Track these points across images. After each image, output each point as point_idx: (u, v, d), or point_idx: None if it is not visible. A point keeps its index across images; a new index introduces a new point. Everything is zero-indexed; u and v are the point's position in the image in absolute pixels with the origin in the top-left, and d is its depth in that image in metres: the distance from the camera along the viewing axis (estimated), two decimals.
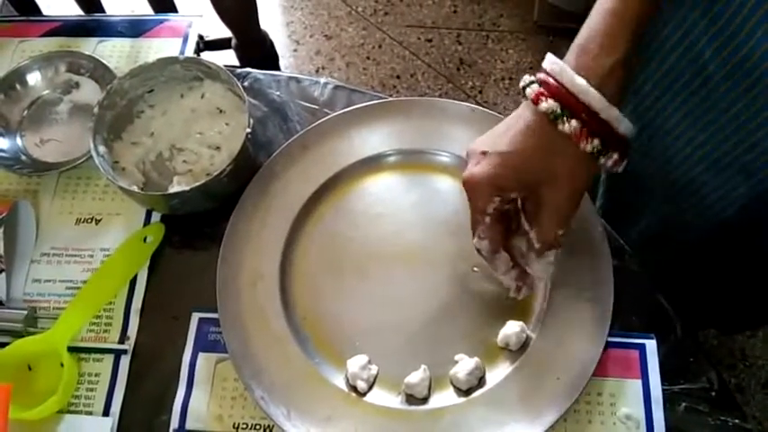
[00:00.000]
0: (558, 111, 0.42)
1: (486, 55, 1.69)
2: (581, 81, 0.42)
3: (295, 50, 1.74)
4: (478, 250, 0.49)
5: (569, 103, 0.42)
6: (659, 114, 0.59)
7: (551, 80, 0.43)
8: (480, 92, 1.64)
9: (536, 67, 1.65)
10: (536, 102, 0.43)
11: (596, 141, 0.42)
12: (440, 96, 1.64)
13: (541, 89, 0.43)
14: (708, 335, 1.31)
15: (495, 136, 0.46)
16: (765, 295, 0.68)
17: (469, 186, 0.46)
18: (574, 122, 0.42)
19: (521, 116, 0.45)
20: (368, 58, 1.71)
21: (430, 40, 1.73)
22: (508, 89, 1.63)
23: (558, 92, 0.43)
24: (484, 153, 0.45)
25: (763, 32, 0.46)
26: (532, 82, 0.45)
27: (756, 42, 0.47)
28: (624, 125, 0.43)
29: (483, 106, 1.63)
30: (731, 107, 0.52)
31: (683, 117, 0.57)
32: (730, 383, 1.26)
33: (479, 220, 0.47)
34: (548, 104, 0.43)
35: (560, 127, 0.42)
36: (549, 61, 0.45)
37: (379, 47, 1.73)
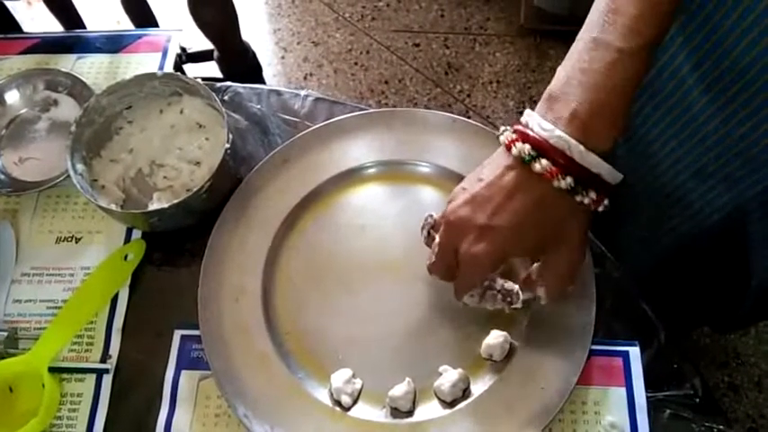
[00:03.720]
0: (530, 153, 0.42)
1: (474, 58, 1.69)
2: (549, 126, 0.42)
3: (282, 58, 1.74)
4: (465, 304, 0.50)
5: (541, 146, 0.42)
6: (644, 123, 0.59)
7: (521, 128, 0.43)
8: (468, 95, 1.64)
9: (523, 69, 1.66)
10: (509, 147, 0.43)
11: (569, 179, 0.41)
12: (428, 101, 1.64)
13: (515, 136, 0.43)
14: (700, 334, 1.31)
15: (485, 201, 0.44)
16: (753, 296, 0.69)
17: (472, 264, 0.45)
18: (544, 162, 0.41)
19: (506, 173, 0.44)
20: (356, 63, 1.71)
21: (417, 45, 1.73)
22: (496, 92, 1.63)
23: (528, 137, 0.42)
24: (484, 228, 0.44)
25: (747, 44, 0.46)
26: (506, 130, 0.44)
27: (740, 54, 0.47)
28: (605, 170, 0.43)
29: (471, 110, 1.63)
30: (712, 119, 0.52)
31: (666, 127, 0.57)
32: (723, 382, 1.27)
33: (476, 285, 0.48)
34: (519, 147, 0.42)
35: (534, 167, 0.42)
36: (524, 114, 0.44)
37: (367, 52, 1.73)
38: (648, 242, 0.69)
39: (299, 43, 1.76)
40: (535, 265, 0.48)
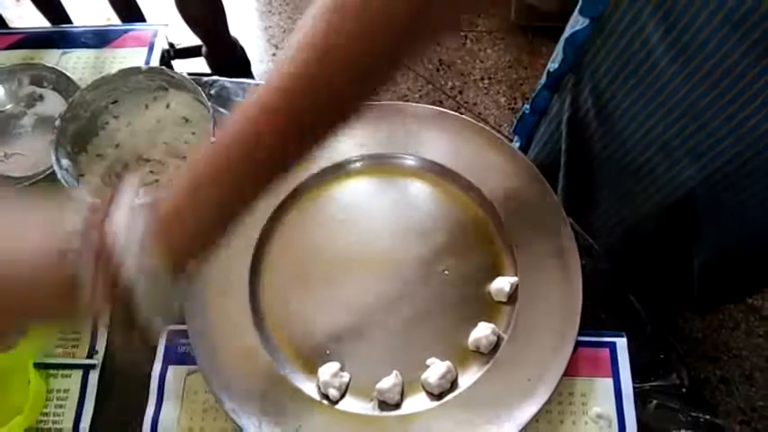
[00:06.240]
0: None
1: (465, 55, 1.69)
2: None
3: (274, 54, 1.73)
4: None
5: None
6: (614, 96, 0.60)
7: None
8: (460, 92, 1.64)
9: (515, 65, 1.66)
10: None
11: None
12: (420, 97, 1.64)
13: None
14: (692, 328, 1.32)
15: None
16: (720, 278, 0.69)
17: None
18: None
19: None
20: None
21: None
22: (488, 89, 1.63)
23: None
24: None
25: (706, 17, 0.46)
26: None
27: (701, 26, 0.47)
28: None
29: (463, 107, 1.63)
30: (678, 90, 0.53)
31: (635, 99, 0.58)
32: (715, 375, 1.27)
33: None
34: None
35: None
36: None
37: None
38: (620, 218, 0.70)
39: None
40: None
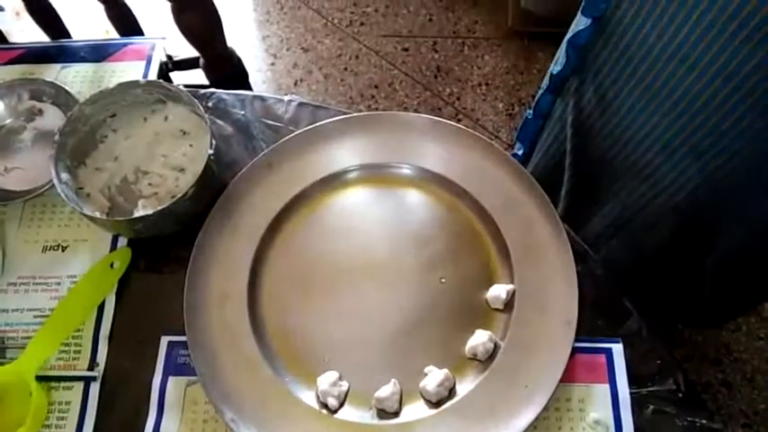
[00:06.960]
0: None
1: (463, 62, 1.70)
2: None
3: (272, 64, 1.74)
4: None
5: None
6: (617, 96, 0.60)
7: None
8: (458, 98, 1.64)
9: (512, 71, 1.67)
10: None
11: None
12: (418, 104, 1.64)
13: None
14: (693, 331, 1.32)
15: None
16: (711, 278, 0.69)
17: None
18: None
19: None
20: (345, 69, 1.72)
21: (406, 49, 1.74)
22: (485, 95, 1.64)
23: None
24: None
25: (694, 22, 0.47)
26: None
27: (689, 30, 0.48)
28: None
29: (461, 113, 1.64)
30: (676, 89, 0.53)
31: (637, 99, 0.58)
32: (716, 379, 1.27)
33: None
34: None
35: None
36: None
37: (357, 58, 1.74)
38: (624, 221, 0.70)
39: (288, 49, 1.76)
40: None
